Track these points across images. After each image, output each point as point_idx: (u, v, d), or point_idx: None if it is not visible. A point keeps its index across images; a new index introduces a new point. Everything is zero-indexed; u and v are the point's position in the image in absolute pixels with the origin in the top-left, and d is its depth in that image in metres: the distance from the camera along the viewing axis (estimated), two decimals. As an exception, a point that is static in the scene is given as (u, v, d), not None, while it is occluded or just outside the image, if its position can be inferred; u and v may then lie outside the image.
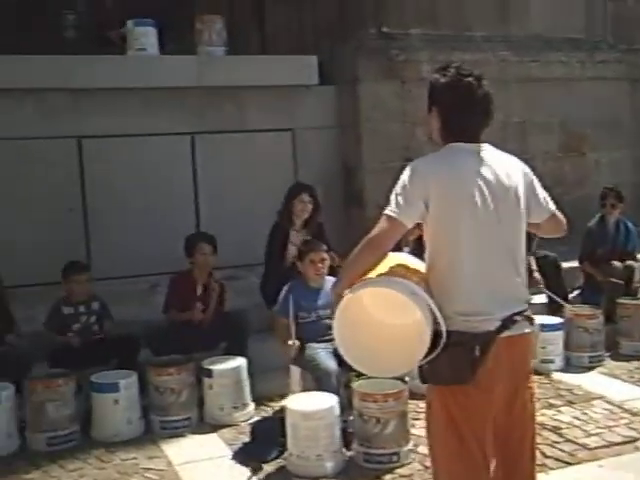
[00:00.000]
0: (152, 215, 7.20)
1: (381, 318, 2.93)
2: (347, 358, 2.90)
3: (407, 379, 4.69)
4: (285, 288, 5.26)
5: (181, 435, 5.07)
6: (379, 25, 8.25)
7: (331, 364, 4.86)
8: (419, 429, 4.80)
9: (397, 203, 2.81)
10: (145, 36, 7.67)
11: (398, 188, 2.84)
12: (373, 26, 8.23)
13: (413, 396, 4.79)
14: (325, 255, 5.29)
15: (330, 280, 5.33)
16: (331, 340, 5.10)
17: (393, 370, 3.02)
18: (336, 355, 4.95)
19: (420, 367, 2.85)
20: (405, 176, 2.85)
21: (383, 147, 7.93)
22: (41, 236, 6.96)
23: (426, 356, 2.75)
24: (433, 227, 2.84)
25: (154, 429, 5.13)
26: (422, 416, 4.92)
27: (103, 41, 9.41)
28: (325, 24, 9.04)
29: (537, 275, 6.64)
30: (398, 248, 6.58)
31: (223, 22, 8.11)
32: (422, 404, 5.08)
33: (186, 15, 10.90)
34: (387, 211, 2.83)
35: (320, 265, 5.24)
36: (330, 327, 5.07)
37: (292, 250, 6.10)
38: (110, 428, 5.00)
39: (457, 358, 2.76)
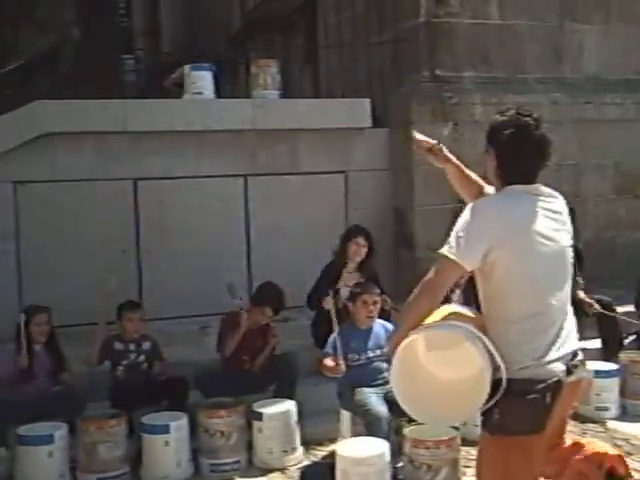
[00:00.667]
0: (204, 256, 7.29)
1: (437, 366, 2.89)
2: (404, 406, 2.87)
3: (459, 425, 4.61)
4: (335, 331, 5.25)
5: (230, 478, 5.03)
6: (432, 68, 8.28)
7: (382, 409, 4.80)
8: (470, 477, 4.72)
9: (458, 245, 2.78)
10: (201, 80, 7.85)
11: (459, 230, 2.80)
12: (426, 69, 8.27)
13: (464, 443, 4.71)
14: (377, 298, 5.27)
15: (380, 323, 5.32)
16: (382, 384, 5.08)
17: (452, 418, 2.99)
18: (387, 400, 4.91)
19: (488, 418, 2.81)
20: (466, 218, 2.82)
21: (435, 189, 7.90)
22: (95, 276, 7.08)
23: (485, 403, 2.72)
24: (494, 272, 2.79)
25: (203, 472, 5.10)
26: (473, 463, 4.90)
27: (159, 87, 9.64)
28: (378, 67, 9.14)
29: (587, 299, 6.44)
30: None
31: (278, 66, 8.24)
32: (474, 451, 5.06)
33: (241, 58, 11.14)
34: (446, 253, 2.79)
35: (372, 307, 5.22)
36: (380, 371, 5.10)
37: (344, 292, 6.10)
38: (160, 470, 4.99)
39: (531, 408, 2.74)
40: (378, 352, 5.17)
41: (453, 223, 2.90)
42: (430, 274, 2.81)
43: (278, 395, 5.51)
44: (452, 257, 2.77)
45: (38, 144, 7.27)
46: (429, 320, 2.81)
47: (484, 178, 3.22)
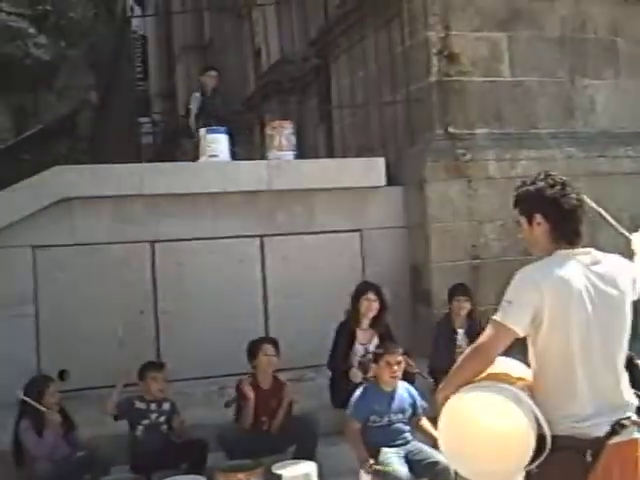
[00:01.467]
0: (222, 317, 7.30)
1: (483, 424, 2.92)
2: (449, 460, 2.91)
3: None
4: (358, 391, 5.23)
5: (250, 543, 4.98)
6: (445, 126, 8.37)
7: (403, 471, 4.75)
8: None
9: (508, 312, 2.83)
10: (217, 143, 7.98)
11: (509, 295, 2.86)
12: (439, 127, 8.35)
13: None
14: (400, 357, 5.24)
15: (405, 386, 5.29)
16: (402, 444, 5.04)
17: (497, 474, 2.98)
18: (407, 460, 4.86)
19: (527, 472, 2.82)
20: (515, 284, 2.87)
21: (450, 246, 7.93)
22: (114, 337, 7.11)
23: (531, 462, 2.74)
24: (543, 336, 2.84)
25: (221, 535, 5.05)
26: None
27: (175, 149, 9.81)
28: (391, 126, 9.24)
29: None
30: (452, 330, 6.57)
31: (293, 127, 8.35)
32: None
33: (256, 119, 11.28)
34: (497, 318, 2.85)
35: (395, 368, 5.19)
36: (401, 431, 5.06)
37: (359, 349, 6.10)
38: (179, 534, 4.95)
39: (569, 464, 2.75)
40: (400, 416, 5.15)
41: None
42: (483, 338, 2.88)
43: (298, 456, 5.47)
44: (502, 322, 2.83)
45: (56, 209, 7.37)
46: (481, 376, 2.86)
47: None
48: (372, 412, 5.11)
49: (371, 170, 8.17)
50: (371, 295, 6.30)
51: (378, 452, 4.98)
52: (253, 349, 5.86)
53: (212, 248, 7.64)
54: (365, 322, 6.29)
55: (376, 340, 6.23)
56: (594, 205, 3.28)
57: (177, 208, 7.61)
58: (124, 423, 5.76)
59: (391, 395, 5.19)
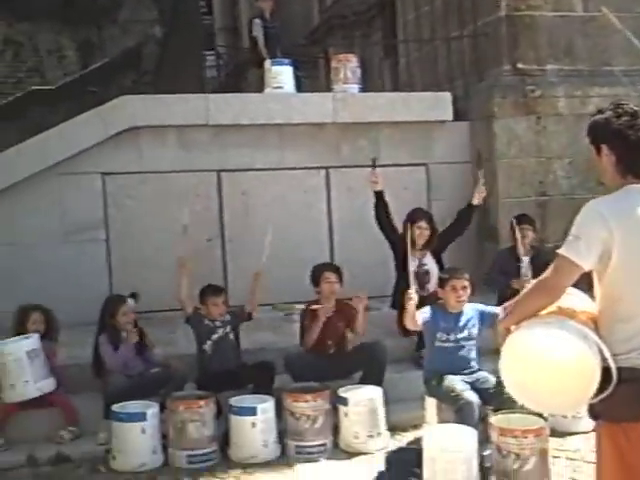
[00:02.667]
0: (287, 246, 7.36)
1: (547, 358, 2.90)
2: (513, 392, 2.90)
3: (547, 416, 4.57)
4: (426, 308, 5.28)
5: (316, 460, 5.10)
6: (514, 61, 8.22)
7: (472, 396, 4.79)
8: (558, 467, 4.69)
9: (575, 246, 2.77)
10: (282, 74, 7.95)
11: (576, 230, 2.79)
12: (508, 62, 8.20)
13: (554, 434, 4.67)
14: (466, 282, 5.23)
15: (472, 306, 5.27)
16: (470, 373, 5.07)
17: (561, 407, 2.99)
18: (474, 389, 4.90)
19: (591, 405, 2.82)
20: (584, 218, 2.80)
21: (517, 182, 7.86)
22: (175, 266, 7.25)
23: (596, 394, 2.73)
24: (607, 273, 2.78)
25: (289, 453, 5.18)
26: (563, 454, 4.87)
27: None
28: (459, 61, 9.10)
29: None
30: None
31: (358, 60, 8.28)
32: (563, 442, 5.02)
33: (320, 54, 11.20)
34: (564, 253, 2.79)
35: (461, 292, 5.18)
36: (468, 360, 5.08)
37: (413, 263, 6.20)
38: (247, 450, 5.08)
39: (634, 396, 2.72)
40: (467, 334, 5.14)
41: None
42: (549, 273, 2.83)
43: (365, 382, 5.55)
44: (571, 258, 2.77)
45: (124, 137, 7.49)
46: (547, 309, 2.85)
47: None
48: (439, 328, 5.12)
49: (437, 104, 8.10)
50: (423, 223, 6.36)
51: (442, 378, 5.02)
52: (316, 275, 5.93)
53: (277, 179, 7.69)
54: (415, 249, 6.36)
55: (430, 256, 6.37)
56: None
57: (243, 138, 7.68)
58: (190, 343, 5.94)
59: (458, 316, 5.19)
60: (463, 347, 5.13)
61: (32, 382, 5.22)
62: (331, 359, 5.71)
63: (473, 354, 5.18)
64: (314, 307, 5.76)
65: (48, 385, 5.31)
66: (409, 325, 5.17)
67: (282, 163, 7.76)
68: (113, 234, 7.44)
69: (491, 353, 5.30)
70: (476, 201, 6.63)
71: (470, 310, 5.23)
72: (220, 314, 5.71)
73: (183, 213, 6.00)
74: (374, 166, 6.47)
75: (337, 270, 5.99)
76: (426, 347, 5.35)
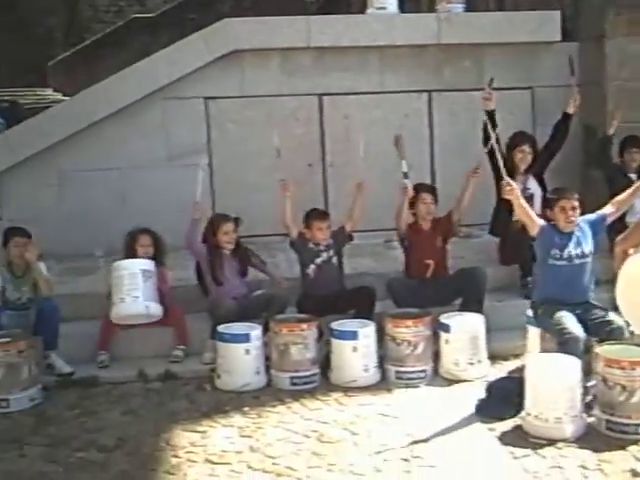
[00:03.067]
0: (387, 171, 7.28)
1: None
2: (627, 314, 2.85)
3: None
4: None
5: (415, 386, 5.16)
6: (627, -24, 7.77)
7: (579, 331, 4.70)
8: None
9: None
10: (385, -6, 7.76)
11: None
12: (621, -23, 7.76)
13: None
14: (576, 202, 5.07)
15: (583, 220, 5.14)
16: (580, 303, 4.97)
17: None
18: (580, 320, 4.81)
19: None
20: None
21: (629, 106, 7.50)
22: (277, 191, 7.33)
23: None
24: None
25: (389, 378, 5.25)
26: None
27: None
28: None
29: None
30: None
31: (461, -21, 8.00)
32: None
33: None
34: None
35: (571, 213, 5.03)
36: (582, 286, 4.96)
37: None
38: (348, 374, 5.17)
39: None
40: (580, 252, 5.01)
41: None
42: None
43: (465, 308, 5.55)
44: None
45: (227, 61, 7.50)
46: None
47: None
48: (553, 244, 5.01)
49: (545, 24, 7.77)
50: (526, 147, 6.26)
51: (551, 308, 4.93)
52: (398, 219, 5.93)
53: (378, 102, 7.60)
54: (518, 171, 6.26)
55: (533, 180, 6.30)
56: None
57: (344, 61, 7.60)
58: (292, 267, 6.04)
59: (569, 234, 5.06)
60: (577, 267, 5.00)
61: (142, 299, 5.41)
62: (432, 285, 5.73)
63: (586, 278, 5.05)
64: None
65: (156, 309, 5.49)
66: (523, 217, 5.14)
67: (383, 86, 7.66)
68: (216, 158, 7.53)
69: (602, 284, 5.22)
70: (571, 110, 6.52)
71: (581, 225, 5.09)
72: (324, 238, 5.76)
73: (275, 136, 6.00)
74: (491, 86, 6.33)
75: (433, 191, 6.03)
76: (538, 268, 5.26)
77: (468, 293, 5.64)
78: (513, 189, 5.05)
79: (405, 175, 5.99)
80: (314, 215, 5.84)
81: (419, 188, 5.97)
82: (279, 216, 5.78)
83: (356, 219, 5.85)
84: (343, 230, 5.85)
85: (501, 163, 5.32)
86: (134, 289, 5.39)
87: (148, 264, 5.52)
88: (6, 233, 5.63)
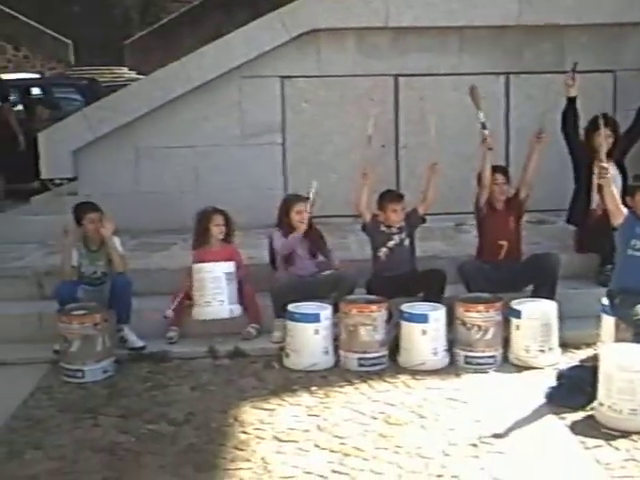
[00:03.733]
0: (461, 154, 7.23)
1: None
2: None
3: None
4: None
5: (484, 372, 5.10)
6: None
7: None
8: None
9: None
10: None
11: None
12: None
13: None
14: None
15: None
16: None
17: None
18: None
19: None
20: None
21: None
22: (354, 170, 7.29)
23: None
24: None
25: (458, 363, 5.20)
26: None
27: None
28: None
29: None
30: None
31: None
32: None
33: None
34: None
35: None
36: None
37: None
38: (417, 357, 5.14)
39: None
40: None
41: None
42: None
43: (537, 295, 5.46)
44: None
45: (304, 41, 7.50)
46: None
47: None
48: (633, 234, 4.90)
49: (632, 4, 7.52)
50: (607, 131, 6.05)
51: (629, 299, 4.80)
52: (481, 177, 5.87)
53: (455, 84, 7.47)
54: (598, 156, 6.08)
55: (612, 165, 6.05)
56: None
57: (422, 42, 7.52)
58: (362, 249, 6.02)
59: None
60: None
61: (227, 302, 5.47)
62: (505, 269, 5.65)
63: None
64: None
65: (238, 310, 5.56)
66: (610, 204, 5.03)
67: (460, 68, 7.55)
68: (290, 138, 7.56)
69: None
70: None
71: None
72: (398, 221, 5.72)
73: (368, 124, 5.95)
74: (574, 71, 6.19)
75: (505, 171, 5.97)
76: (617, 257, 5.13)
77: (541, 279, 5.55)
78: (608, 174, 4.92)
79: (483, 125, 5.91)
80: (389, 197, 5.81)
81: (492, 169, 5.88)
82: (354, 201, 5.76)
83: (429, 202, 5.78)
84: (416, 212, 5.80)
85: (604, 148, 5.26)
86: (219, 293, 5.44)
87: (230, 266, 5.53)
88: (77, 210, 5.73)
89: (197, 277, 5.49)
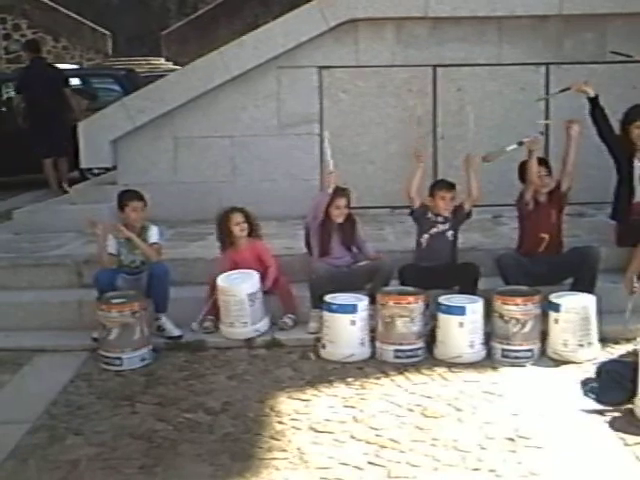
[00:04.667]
0: (499, 147, 7.12)
1: None
2: None
3: None
4: None
5: (521, 365, 5.06)
6: None
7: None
8: None
9: None
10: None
11: None
12: None
13: None
14: None
15: None
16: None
17: None
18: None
19: None
20: None
21: None
22: (392, 161, 7.28)
23: None
24: None
25: (495, 356, 5.16)
26: None
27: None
28: None
29: None
30: None
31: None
32: None
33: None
34: None
35: None
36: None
37: (637, 165, 6.03)
38: (453, 349, 5.11)
39: None
40: None
41: None
42: None
43: (576, 288, 5.40)
44: None
45: (342, 31, 7.48)
46: None
47: None
48: None
49: (676, -7, 7.39)
50: None
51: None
52: (522, 169, 5.84)
53: (494, 75, 7.44)
54: (635, 148, 6.05)
55: None
56: None
57: (461, 32, 7.46)
58: (399, 240, 5.99)
59: None
60: None
61: (250, 324, 5.44)
62: (544, 262, 5.60)
63: None
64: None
65: (264, 325, 5.54)
66: None
67: (500, 58, 7.48)
68: (327, 128, 7.49)
69: None
70: None
71: None
72: (446, 209, 5.70)
73: (417, 105, 5.92)
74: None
75: (546, 163, 5.92)
76: None
77: (580, 272, 5.49)
78: None
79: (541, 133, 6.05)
80: (440, 184, 5.83)
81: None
82: (406, 186, 5.72)
83: (475, 197, 5.76)
84: (462, 208, 5.76)
85: None
86: (242, 315, 5.43)
87: (254, 285, 5.48)
88: (122, 196, 5.78)
89: (221, 297, 5.49)
